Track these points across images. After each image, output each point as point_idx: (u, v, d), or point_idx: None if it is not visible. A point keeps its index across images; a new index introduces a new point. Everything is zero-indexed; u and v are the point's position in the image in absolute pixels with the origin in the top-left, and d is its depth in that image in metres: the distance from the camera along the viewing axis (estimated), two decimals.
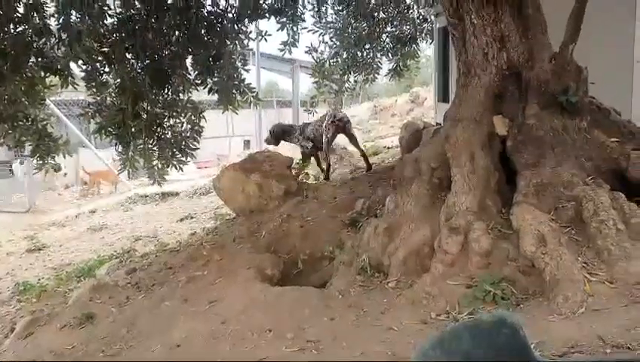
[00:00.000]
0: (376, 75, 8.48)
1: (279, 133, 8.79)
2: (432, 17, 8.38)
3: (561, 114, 4.28)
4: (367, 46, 7.99)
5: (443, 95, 7.85)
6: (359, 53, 8.02)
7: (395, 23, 8.22)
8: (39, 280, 6.97)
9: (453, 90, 7.01)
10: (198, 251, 5.73)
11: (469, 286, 3.69)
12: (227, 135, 23.05)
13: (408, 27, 8.29)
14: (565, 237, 3.62)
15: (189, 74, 6.59)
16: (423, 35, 8.57)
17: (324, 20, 7.76)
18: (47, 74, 5.80)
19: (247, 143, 24.93)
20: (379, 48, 8.24)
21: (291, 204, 6.52)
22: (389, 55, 8.41)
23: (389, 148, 10.74)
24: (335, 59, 8.03)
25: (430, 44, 8.73)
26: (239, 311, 3.94)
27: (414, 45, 8.30)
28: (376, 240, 4.41)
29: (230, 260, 5.22)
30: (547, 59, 4.37)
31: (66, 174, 14.61)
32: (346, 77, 8.22)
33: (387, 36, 8.22)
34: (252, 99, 7.09)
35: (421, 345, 1.82)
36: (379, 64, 8.41)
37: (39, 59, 5.59)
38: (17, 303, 6.23)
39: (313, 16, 7.70)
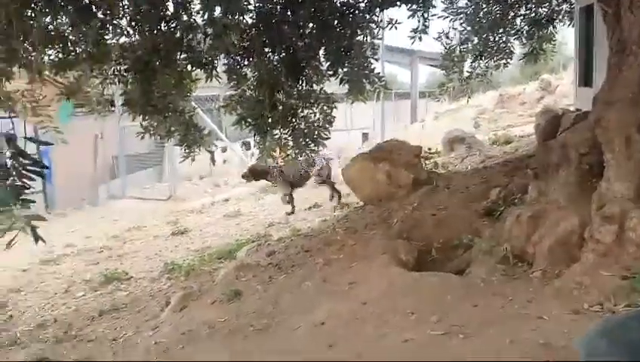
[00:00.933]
0: (509, 61, 8.14)
1: (257, 173, 10.19)
2: None
3: None
4: (500, 30, 7.69)
5: (585, 79, 7.37)
6: (491, 38, 7.74)
7: (530, 5, 7.84)
8: (184, 260, 7.53)
9: (597, 74, 6.56)
10: (332, 236, 5.89)
11: (625, 277, 3.48)
12: (346, 128, 23.25)
13: (545, 9, 7.87)
14: None
15: (322, 65, 6.74)
16: (561, 16, 8.09)
17: (454, 6, 7.58)
18: (194, 68, 6.24)
19: (365, 136, 25.07)
20: (512, 32, 7.89)
21: (421, 192, 6.50)
22: (523, 39, 8.04)
23: (521, 136, 10.31)
24: (466, 45, 7.82)
25: (569, 26, 8.21)
26: (379, 293, 4.01)
27: (551, 27, 7.85)
28: (519, 228, 4.28)
29: (364, 245, 5.31)
30: None
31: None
32: (476, 63, 7.98)
33: (522, 19, 7.86)
34: (381, 88, 7.09)
35: (586, 333, 1.75)
36: (512, 48, 8.06)
37: (189, 54, 6.03)
38: (167, 280, 6.78)
39: (443, 2, 7.54)
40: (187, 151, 6.68)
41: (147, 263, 7.98)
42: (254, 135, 6.67)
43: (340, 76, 6.69)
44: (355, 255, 5.08)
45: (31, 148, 3.36)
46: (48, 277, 7.67)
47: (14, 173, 2.71)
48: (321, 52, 6.73)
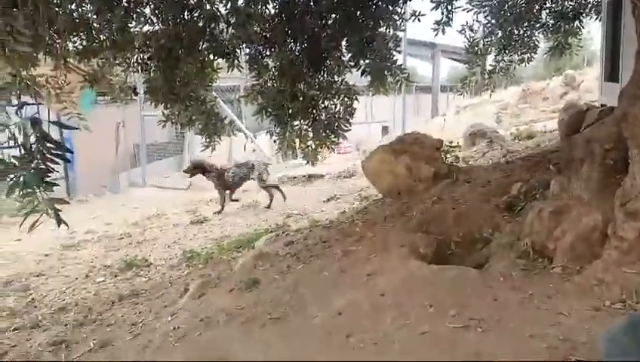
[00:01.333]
0: (533, 55, 8.03)
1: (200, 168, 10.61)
2: None
3: None
4: (524, 24, 7.58)
5: (611, 74, 7.22)
6: (516, 32, 7.64)
7: None
8: (203, 248, 7.60)
9: (623, 69, 6.43)
10: (350, 228, 5.88)
11: None
12: (366, 121, 23.16)
13: (572, 2, 7.74)
14: None
15: (344, 56, 6.72)
16: (588, 10, 7.95)
17: None
18: (216, 57, 6.27)
19: (385, 129, 25.02)
20: (537, 26, 7.78)
21: (441, 186, 6.44)
22: (549, 33, 7.92)
23: (543, 132, 10.19)
24: (489, 39, 7.73)
25: (597, 19, 8.06)
26: (397, 285, 4.00)
27: (578, 21, 7.73)
28: (540, 223, 4.22)
29: (383, 238, 5.30)
30: None
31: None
32: (500, 57, 7.89)
33: (547, 13, 7.75)
34: (403, 80, 7.05)
35: (609, 329, 1.73)
36: (536, 42, 7.95)
37: (211, 44, 6.06)
38: (186, 268, 6.85)
39: None
40: (208, 140, 6.74)
41: (166, 251, 8.06)
42: (275, 125, 6.69)
43: (361, 68, 6.67)
44: (373, 247, 5.07)
45: (53, 135, 3.40)
46: (69, 262, 7.79)
47: (39, 156, 2.75)
48: (344, 43, 6.71)
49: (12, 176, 2.83)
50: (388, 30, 6.75)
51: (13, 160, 2.74)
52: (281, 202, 10.32)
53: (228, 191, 10.76)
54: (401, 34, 7.42)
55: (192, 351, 3.64)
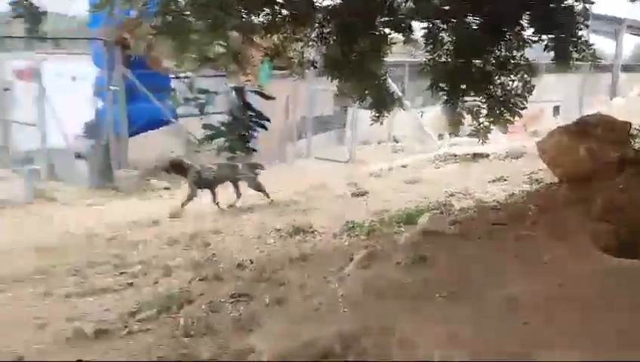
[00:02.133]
0: None
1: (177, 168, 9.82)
2: None
3: None
4: None
5: None
6: None
7: None
8: (364, 221, 7.74)
9: None
10: (522, 211, 5.62)
11: None
12: (535, 100, 21.67)
13: None
14: None
15: (524, 30, 6.35)
16: None
17: None
18: (392, 32, 6.28)
19: (556, 109, 23.46)
20: None
21: (630, 173, 5.87)
22: None
23: None
24: None
25: None
26: (578, 276, 3.78)
27: None
28: None
29: (560, 224, 4.99)
30: None
31: None
32: None
33: None
34: (589, 57, 6.49)
35: None
36: None
37: (389, 18, 6.07)
38: (348, 238, 7.04)
39: None
40: (377, 115, 6.82)
41: (329, 220, 8.31)
42: (446, 101, 6.55)
43: (545, 42, 6.26)
44: (549, 233, 4.80)
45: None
46: (243, 223, 8.44)
47: (243, 123, 2.98)
48: (525, 17, 6.35)
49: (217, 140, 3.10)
50: (575, 3, 6.24)
51: (221, 126, 3.00)
52: (441, 179, 10.15)
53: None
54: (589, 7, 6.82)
55: (362, 319, 3.74)
